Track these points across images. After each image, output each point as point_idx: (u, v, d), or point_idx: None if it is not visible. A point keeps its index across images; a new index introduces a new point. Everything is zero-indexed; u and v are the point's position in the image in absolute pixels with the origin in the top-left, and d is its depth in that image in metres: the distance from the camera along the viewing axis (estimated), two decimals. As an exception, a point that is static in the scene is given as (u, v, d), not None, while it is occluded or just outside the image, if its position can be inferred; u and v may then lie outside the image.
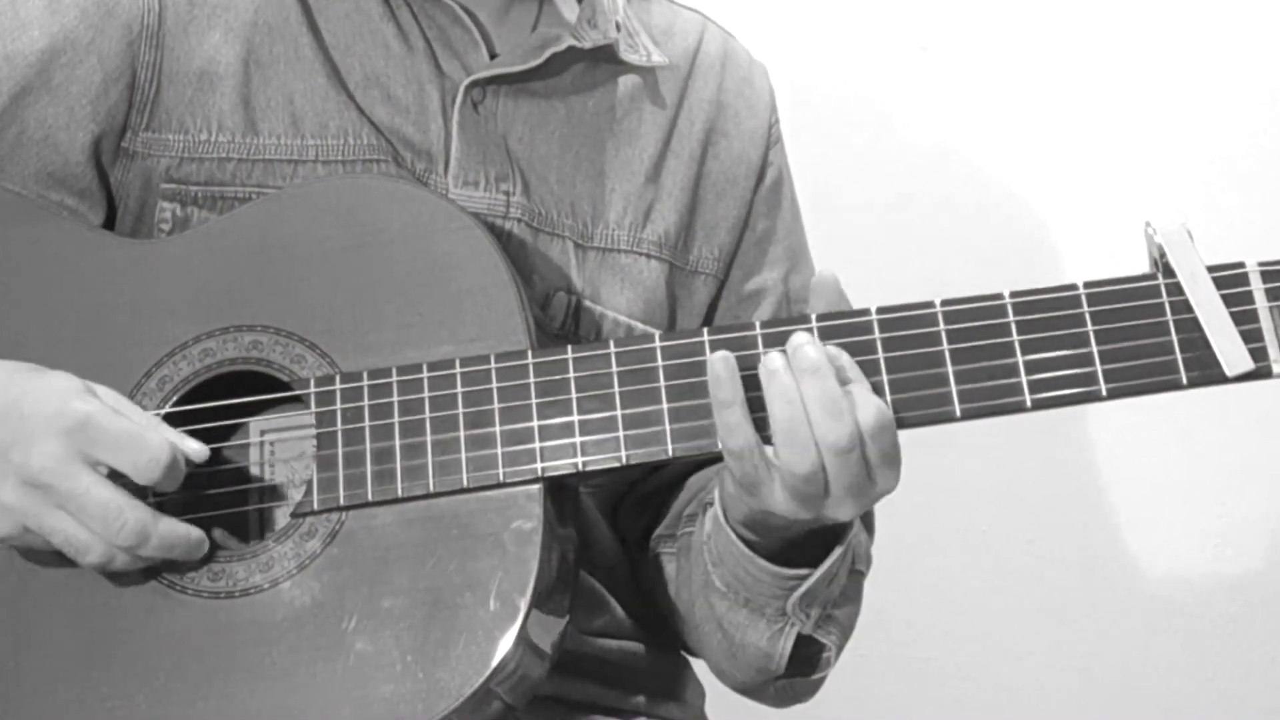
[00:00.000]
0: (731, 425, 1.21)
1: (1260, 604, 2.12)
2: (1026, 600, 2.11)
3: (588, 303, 1.42)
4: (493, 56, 1.43)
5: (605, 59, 1.46)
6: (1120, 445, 2.10)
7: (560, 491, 1.26)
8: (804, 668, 1.36)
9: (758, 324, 1.23)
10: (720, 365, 1.21)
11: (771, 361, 1.20)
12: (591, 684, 1.41)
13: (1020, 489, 2.09)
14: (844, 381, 1.20)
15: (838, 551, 1.29)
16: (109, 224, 1.41)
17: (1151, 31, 2.10)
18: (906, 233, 2.09)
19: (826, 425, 1.18)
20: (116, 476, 1.20)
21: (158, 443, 1.20)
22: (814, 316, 1.23)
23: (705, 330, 1.24)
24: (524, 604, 1.20)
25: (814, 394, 1.19)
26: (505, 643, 1.19)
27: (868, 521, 1.48)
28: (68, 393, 1.21)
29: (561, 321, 1.41)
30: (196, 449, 1.23)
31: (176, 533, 1.21)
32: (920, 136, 2.10)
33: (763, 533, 1.28)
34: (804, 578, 1.29)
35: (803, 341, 1.20)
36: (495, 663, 1.19)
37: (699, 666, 1.54)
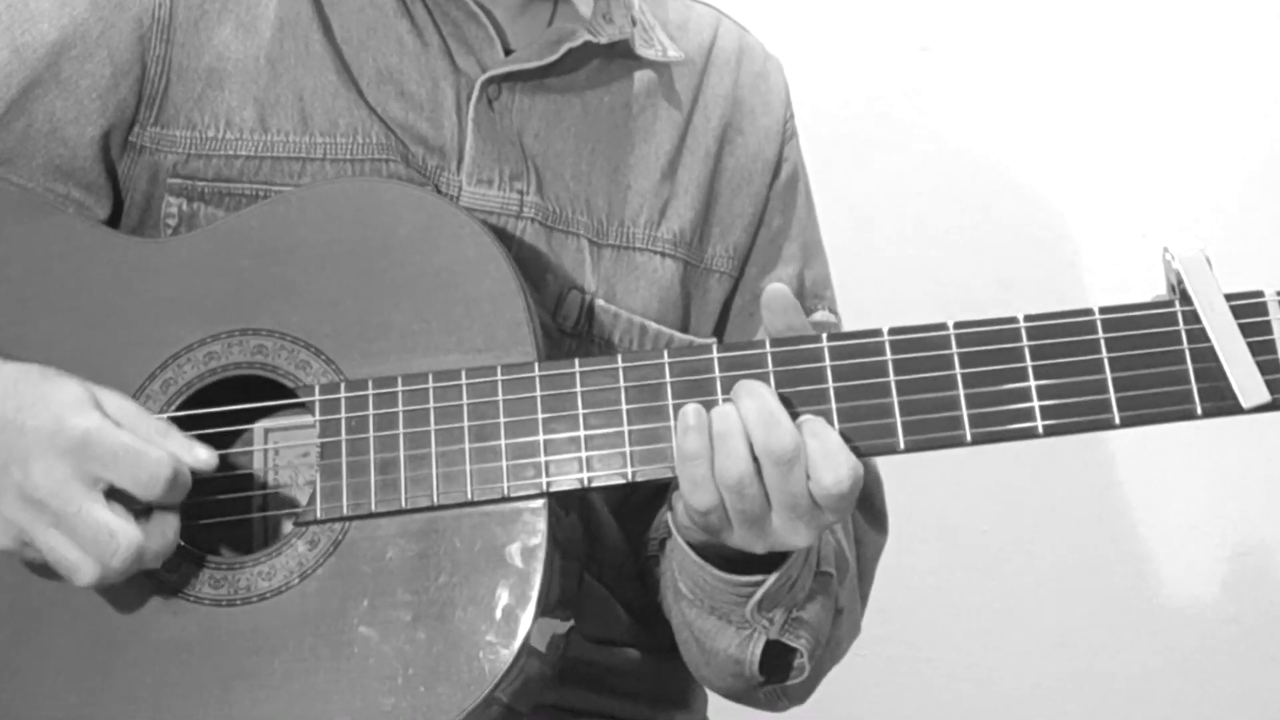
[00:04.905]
0: (698, 480, 1.19)
1: (1260, 604, 2.12)
2: (1027, 600, 2.11)
3: (601, 302, 1.41)
4: (508, 53, 1.42)
5: (621, 54, 1.45)
6: (1121, 445, 2.10)
7: (566, 504, 1.25)
8: (781, 673, 1.33)
9: (767, 342, 1.21)
10: (692, 416, 1.19)
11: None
12: (596, 694, 1.41)
13: (1020, 489, 2.09)
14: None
15: (794, 554, 1.26)
16: (115, 217, 1.39)
17: (1153, 27, 2.09)
18: (905, 233, 2.08)
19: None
20: (120, 493, 1.18)
21: (157, 458, 1.17)
22: (825, 337, 1.21)
23: (715, 346, 1.22)
24: (526, 620, 1.19)
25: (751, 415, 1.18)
26: (506, 658, 1.18)
27: (880, 521, 1.47)
28: (68, 407, 1.18)
29: (575, 321, 1.39)
30: (205, 457, 1.20)
31: (170, 551, 1.20)
32: (920, 136, 2.09)
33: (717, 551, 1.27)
34: (758, 584, 1.27)
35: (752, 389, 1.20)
36: (496, 679, 1.18)
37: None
